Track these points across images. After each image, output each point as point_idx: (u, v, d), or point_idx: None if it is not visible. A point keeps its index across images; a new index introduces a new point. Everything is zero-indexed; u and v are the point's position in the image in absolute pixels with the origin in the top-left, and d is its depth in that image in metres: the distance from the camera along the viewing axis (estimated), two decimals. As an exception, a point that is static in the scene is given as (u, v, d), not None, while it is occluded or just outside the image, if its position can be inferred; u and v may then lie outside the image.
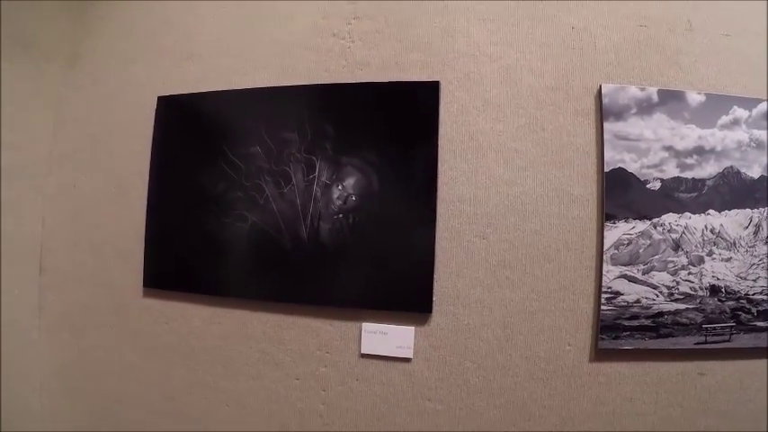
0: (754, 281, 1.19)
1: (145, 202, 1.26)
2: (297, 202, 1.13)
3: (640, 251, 1.14)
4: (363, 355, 1.14)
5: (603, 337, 1.12)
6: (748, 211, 1.20)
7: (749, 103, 1.22)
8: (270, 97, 1.20)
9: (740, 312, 1.18)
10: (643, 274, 1.13)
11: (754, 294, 1.19)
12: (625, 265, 1.13)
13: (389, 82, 1.14)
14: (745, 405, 1.22)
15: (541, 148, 1.14)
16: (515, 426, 1.13)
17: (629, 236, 1.13)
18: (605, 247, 1.12)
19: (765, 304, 1.19)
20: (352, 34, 1.19)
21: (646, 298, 1.13)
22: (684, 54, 1.22)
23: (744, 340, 1.18)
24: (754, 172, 1.21)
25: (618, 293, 1.12)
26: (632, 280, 1.13)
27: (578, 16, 1.19)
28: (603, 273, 1.12)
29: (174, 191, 1.25)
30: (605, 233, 1.12)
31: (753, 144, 1.21)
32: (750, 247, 1.19)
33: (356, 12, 1.21)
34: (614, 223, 1.13)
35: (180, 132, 1.25)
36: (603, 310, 1.12)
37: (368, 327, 1.13)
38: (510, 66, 1.16)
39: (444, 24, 1.17)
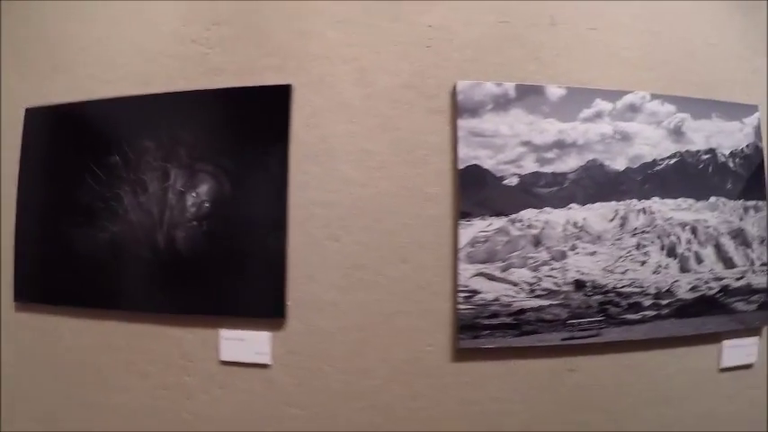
0: (623, 273, 1.18)
1: (14, 217, 1.27)
2: (153, 211, 1.13)
3: (498, 248, 1.13)
4: (223, 363, 1.13)
5: (463, 336, 1.11)
6: (613, 203, 1.19)
7: (613, 95, 1.22)
8: (131, 106, 1.20)
9: (608, 306, 1.17)
10: (501, 271, 1.12)
11: (622, 287, 1.18)
12: (482, 263, 1.12)
13: (241, 87, 1.14)
14: (622, 400, 1.21)
15: (395, 148, 1.13)
16: (380, 429, 1.12)
17: (485, 233, 1.12)
18: (460, 246, 1.11)
19: (636, 297, 1.18)
20: (210, 40, 1.19)
21: (505, 295, 1.12)
22: (547, 48, 1.22)
23: (614, 334, 1.17)
24: (619, 164, 1.20)
25: (475, 292, 1.11)
26: (490, 278, 1.12)
27: (436, 14, 1.19)
28: (459, 271, 1.11)
29: (43, 203, 1.24)
30: (460, 231, 1.11)
31: (617, 136, 1.21)
32: (617, 239, 1.19)
33: (216, 18, 1.21)
34: (469, 221, 1.12)
35: (47, 144, 1.26)
36: (461, 309, 1.11)
37: (225, 333, 1.12)
38: (364, 67, 1.16)
39: (301, 28, 1.17)
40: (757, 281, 1.30)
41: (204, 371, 1.14)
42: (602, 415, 1.20)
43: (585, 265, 1.16)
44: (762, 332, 1.35)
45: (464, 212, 1.12)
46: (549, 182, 1.15)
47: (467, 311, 1.10)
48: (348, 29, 1.17)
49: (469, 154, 1.12)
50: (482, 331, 1.11)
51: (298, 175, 1.12)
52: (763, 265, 1.31)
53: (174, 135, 1.14)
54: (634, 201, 1.20)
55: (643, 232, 1.20)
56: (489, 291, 1.11)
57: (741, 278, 1.29)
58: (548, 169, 1.15)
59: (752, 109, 1.35)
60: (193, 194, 1.12)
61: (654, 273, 1.21)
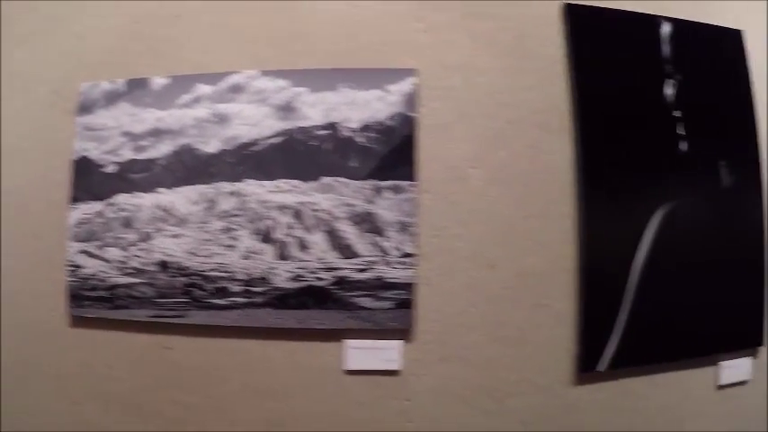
0: (208, 257, 1.20)
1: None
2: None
3: (96, 229, 1.28)
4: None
5: (72, 305, 1.29)
6: (201, 186, 1.22)
7: (216, 78, 1.25)
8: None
9: (193, 288, 1.20)
10: (98, 249, 1.27)
11: (209, 271, 1.20)
12: (84, 242, 1.28)
13: None
14: (222, 386, 1.25)
15: (42, 146, 1.36)
16: (19, 384, 1.37)
17: (87, 215, 1.28)
18: (70, 226, 1.29)
19: (223, 281, 1.19)
20: None
21: (101, 271, 1.26)
22: (168, 42, 1.31)
23: (201, 317, 1.22)
24: (212, 147, 1.22)
25: (79, 266, 1.28)
26: (90, 255, 1.28)
27: (82, 22, 1.37)
28: (68, 248, 1.29)
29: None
30: (71, 214, 1.29)
31: (213, 119, 1.23)
32: (202, 222, 1.21)
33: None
34: (77, 205, 1.29)
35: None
36: (69, 281, 1.29)
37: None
38: (28, 77, 1.42)
39: None
40: (393, 274, 1.15)
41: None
42: (203, 399, 1.24)
43: (170, 246, 1.22)
44: (410, 335, 1.17)
45: (74, 197, 1.30)
46: (141, 168, 1.25)
47: (74, 283, 1.29)
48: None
49: (81, 147, 1.30)
50: (85, 302, 1.28)
51: None
52: (403, 255, 1.14)
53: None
54: (224, 183, 1.20)
55: (233, 216, 1.19)
56: (89, 266, 1.27)
57: (366, 270, 1.15)
58: (142, 156, 1.25)
59: (405, 73, 1.18)
60: None
61: (244, 258, 1.19)
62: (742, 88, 1.38)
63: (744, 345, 1.40)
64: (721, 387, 1.37)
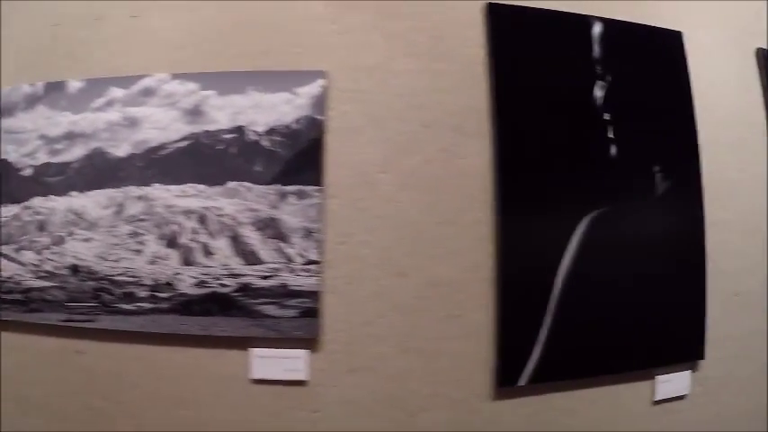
0: (116, 261, 1.20)
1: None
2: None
3: (12, 232, 1.28)
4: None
5: (-8, 307, 1.30)
6: (110, 190, 1.22)
7: (129, 81, 1.25)
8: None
9: (102, 293, 1.20)
10: (15, 252, 1.27)
11: (118, 275, 1.20)
12: (2, 245, 1.28)
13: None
14: (132, 392, 1.23)
15: None
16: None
17: (5, 218, 1.28)
18: (-10, 229, 1.30)
19: (130, 286, 1.18)
20: None
21: (17, 274, 1.27)
22: (87, 44, 1.31)
23: (109, 322, 1.21)
24: (122, 151, 1.22)
25: (-3, 269, 1.29)
26: (8, 258, 1.28)
27: (4, 25, 1.38)
28: (-12, 251, 1.30)
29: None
30: (-11, 217, 1.31)
31: (125, 122, 1.22)
32: (111, 226, 1.20)
33: None
34: (-5, 208, 1.30)
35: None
36: None
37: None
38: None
39: None
40: (297, 281, 1.12)
41: None
42: (114, 404, 1.22)
43: (81, 250, 1.21)
44: (317, 344, 1.14)
45: (-6, 201, 1.31)
46: (55, 171, 1.25)
47: (-7, 286, 1.30)
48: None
49: (2, 149, 1.31)
50: (2, 305, 1.28)
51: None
52: (308, 263, 1.12)
53: None
54: (133, 187, 1.19)
55: (140, 220, 1.18)
56: (7, 269, 1.27)
57: (270, 277, 1.13)
58: (57, 159, 1.25)
59: (314, 76, 1.15)
60: None
61: (150, 263, 1.17)
62: (680, 91, 1.33)
63: (683, 358, 1.34)
64: (657, 402, 1.32)
